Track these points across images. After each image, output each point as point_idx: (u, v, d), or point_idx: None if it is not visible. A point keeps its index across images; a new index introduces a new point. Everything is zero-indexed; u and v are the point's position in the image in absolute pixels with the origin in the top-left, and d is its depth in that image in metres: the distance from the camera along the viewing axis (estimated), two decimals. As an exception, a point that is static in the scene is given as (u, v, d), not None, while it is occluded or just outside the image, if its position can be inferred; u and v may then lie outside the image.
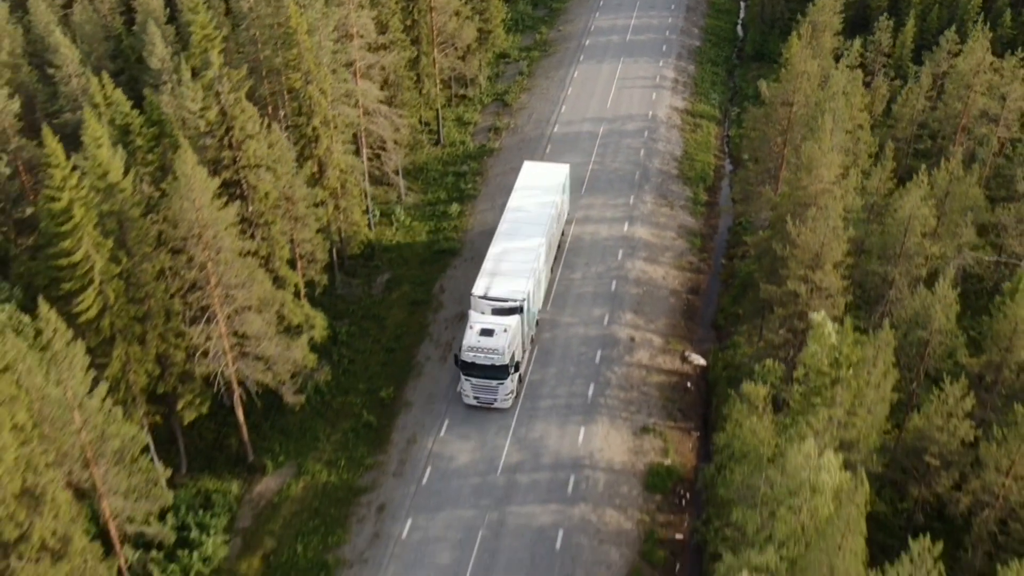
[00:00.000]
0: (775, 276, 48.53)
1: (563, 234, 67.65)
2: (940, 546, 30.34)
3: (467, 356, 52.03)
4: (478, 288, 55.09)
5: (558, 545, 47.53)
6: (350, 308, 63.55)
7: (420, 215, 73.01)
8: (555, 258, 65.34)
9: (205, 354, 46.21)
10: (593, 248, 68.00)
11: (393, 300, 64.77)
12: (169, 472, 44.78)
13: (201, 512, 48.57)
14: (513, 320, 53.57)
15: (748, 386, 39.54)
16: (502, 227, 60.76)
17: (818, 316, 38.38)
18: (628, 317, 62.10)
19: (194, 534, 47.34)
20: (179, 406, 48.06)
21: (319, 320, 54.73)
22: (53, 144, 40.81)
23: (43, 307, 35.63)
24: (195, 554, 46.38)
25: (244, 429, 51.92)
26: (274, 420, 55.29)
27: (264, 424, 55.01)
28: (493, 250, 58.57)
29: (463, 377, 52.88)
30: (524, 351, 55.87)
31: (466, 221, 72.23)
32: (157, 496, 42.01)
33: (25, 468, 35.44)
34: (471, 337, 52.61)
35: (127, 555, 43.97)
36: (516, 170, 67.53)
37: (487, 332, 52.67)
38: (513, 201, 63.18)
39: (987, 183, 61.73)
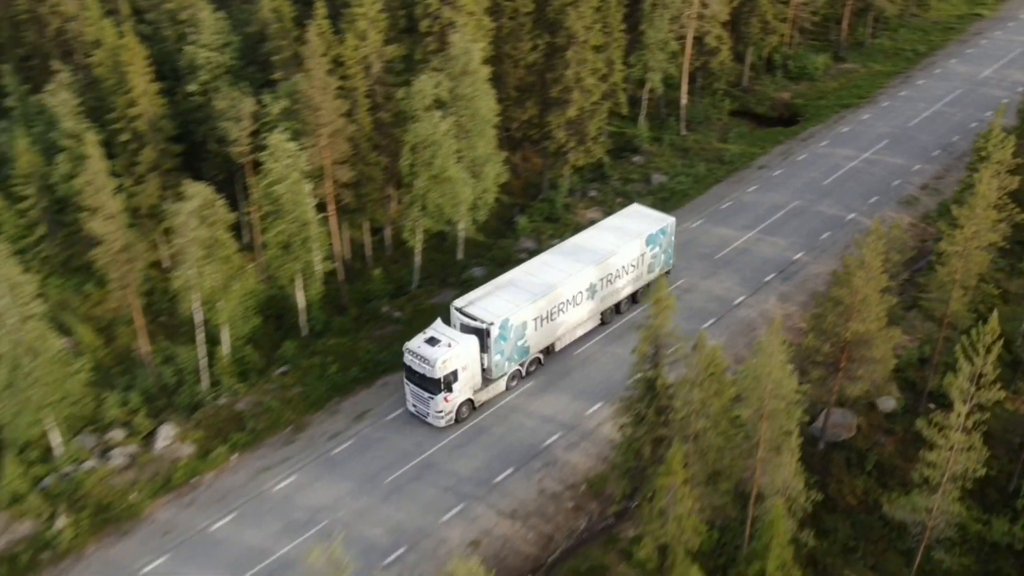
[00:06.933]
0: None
1: (647, 285, 57.88)
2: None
3: (406, 358, 49.41)
4: (460, 299, 51.36)
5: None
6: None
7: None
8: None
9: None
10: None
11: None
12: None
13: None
14: (468, 340, 49.25)
15: None
16: (545, 254, 55.74)
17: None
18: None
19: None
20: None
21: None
22: None
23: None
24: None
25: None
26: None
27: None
28: (516, 271, 53.97)
29: (405, 380, 50.15)
30: (483, 381, 50.87)
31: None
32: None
33: None
34: (416, 340, 49.39)
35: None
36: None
37: (432, 341, 48.92)
38: (584, 234, 57.48)
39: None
